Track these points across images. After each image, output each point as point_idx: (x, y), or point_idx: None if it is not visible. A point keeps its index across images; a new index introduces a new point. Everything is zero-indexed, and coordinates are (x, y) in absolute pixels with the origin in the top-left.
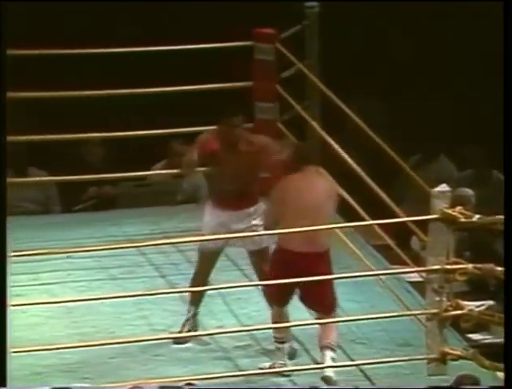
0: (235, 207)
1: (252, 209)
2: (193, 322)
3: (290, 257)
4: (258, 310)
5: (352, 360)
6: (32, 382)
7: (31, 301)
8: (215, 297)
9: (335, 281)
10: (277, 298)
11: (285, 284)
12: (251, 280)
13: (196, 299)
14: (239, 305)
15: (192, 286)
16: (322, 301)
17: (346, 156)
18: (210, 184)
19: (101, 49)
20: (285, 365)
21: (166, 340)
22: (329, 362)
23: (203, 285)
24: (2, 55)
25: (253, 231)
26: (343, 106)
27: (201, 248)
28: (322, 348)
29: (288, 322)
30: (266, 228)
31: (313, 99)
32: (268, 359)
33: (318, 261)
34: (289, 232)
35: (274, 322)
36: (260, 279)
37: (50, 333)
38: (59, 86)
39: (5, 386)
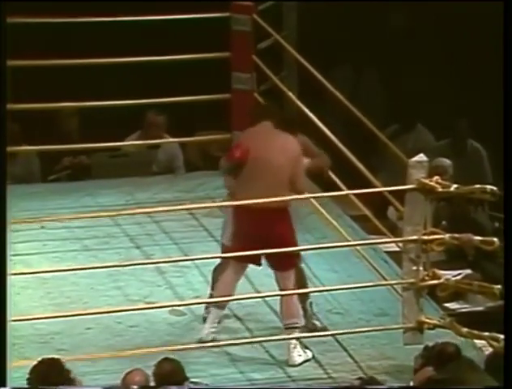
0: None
1: None
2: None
3: (249, 213)
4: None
5: (329, 330)
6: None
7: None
8: (190, 269)
9: (311, 251)
10: (240, 257)
11: (248, 240)
12: None
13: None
14: None
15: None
16: (280, 257)
17: (323, 127)
18: None
19: (86, 18)
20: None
21: (142, 311)
22: (295, 348)
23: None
24: (2, 55)
25: None
26: (320, 77)
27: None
28: (287, 329)
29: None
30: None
31: (289, 70)
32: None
33: (276, 217)
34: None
35: (221, 286)
36: None
37: (25, 303)
38: (34, 54)
39: (5, 386)
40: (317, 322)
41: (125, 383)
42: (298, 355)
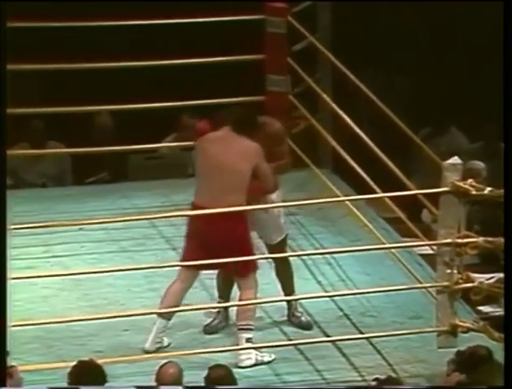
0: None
1: (274, 196)
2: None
3: (202, 214)
4: (268, 283)
5: (362, 333)
6: (43, 356)
7: (42, 273)
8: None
9: (347, 254)
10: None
11: (200, 246)
12: (262, 254)
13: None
14: None
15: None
16: (237, 262)
17: (357, 129)
18: None
19: (118, 22)
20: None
21: (177, 313)
22: (244, 346)
23: (227, 278)
24: (2, 55)
25: (275, 221)
26: (354, 79)
27: None
28: (238, 330)
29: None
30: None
31: (324, 72)
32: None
33: (230, 219)
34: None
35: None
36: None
37: (62, 305)
38: (72, 58)
39: (5, 386)
40: (302, 318)
41: (160, 376)
42: (247, 358)
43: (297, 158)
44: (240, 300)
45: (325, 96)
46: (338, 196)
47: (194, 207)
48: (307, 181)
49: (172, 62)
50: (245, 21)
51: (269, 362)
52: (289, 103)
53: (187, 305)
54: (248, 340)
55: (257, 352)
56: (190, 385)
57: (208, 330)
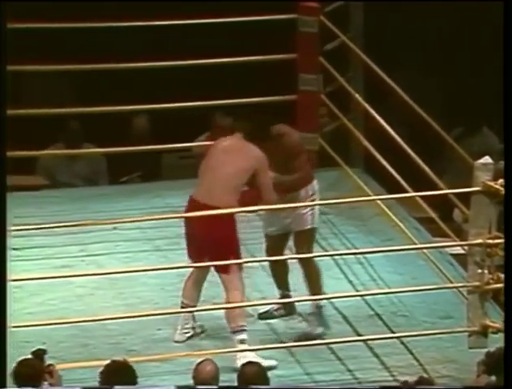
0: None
1: (303, 191)
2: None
3: (196, 207)
4: (301, 282)
5: (394, 332)
6: (78, 354)
7: (78, 273)
8: (255, 269)
9: (377, 254)
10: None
11: (192, 240)
12: (292, 253)
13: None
14: None
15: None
16: (220, 259)
17: (389, 129)
18: None
19: (148, 22)
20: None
21: (210, 312)
22: (240, 347)
23: (276, 270)
24: (2, 55)
25: (303, 215)
26: (386, 79)
27: (264, 231)
28: (232, 333)
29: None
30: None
31: (356, 71)
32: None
33: (216, 217)
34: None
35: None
36: (301, 261)
37: (97, 304)
38: (105, 59)
39: (5, 386)
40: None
41: (197, 374)
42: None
43: (329, 157)
44: (226, 301)
45: (357, 95)
46: (369, 195)
47: (190, 200)
48: (339, 180)
49: (206, 62)
50: (277, 20)
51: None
52: (321, 102)
53: (217, 303)
54: (241, 342)
55: (254, 355)
56: (226, 385)
57: (263, 316)
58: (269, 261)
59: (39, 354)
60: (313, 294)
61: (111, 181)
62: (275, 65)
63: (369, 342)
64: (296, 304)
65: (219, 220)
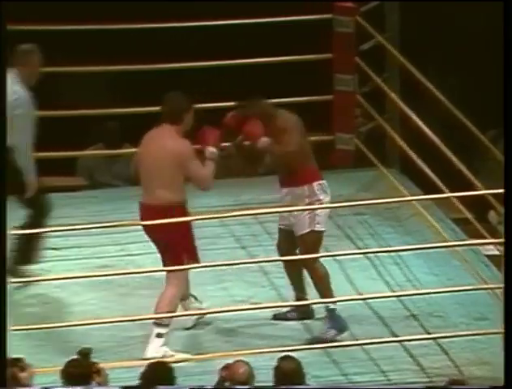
0: (282, 183)
1: (300, 189)
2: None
3: (144, 210)
4: (336, 283)
5: (429, 333)
6: (118, 354)
7: (117, 272)
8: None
9: (412, 254)
10: None
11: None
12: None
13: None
14: None
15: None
16: (164, 255)
17: (425, 129)
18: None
19: (187, 23)
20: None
21: (247, 312)
22: (153, 340)
23: (288, 270)
24: (2, 55)
25: (301, 219)
26: (422, 79)
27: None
28: (153, 324)
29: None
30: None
31: (392, 71)
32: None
33: (158, 215)
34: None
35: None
36: (305, 265)
37: (136, 304)
38: (142, 59)
39: (5, 386)
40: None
41: (231, 374)
42: (153, 350)
43: (365, 158)
44: (162, 294)
45: (393, 95)
46: (405, 196)
47: (139, 205)
48: (374, 180)
49: (242, 62)
50: (313, 20)
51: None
52: (356, 102)
53: (255, 303)
54: (158, 336)
55: (166, 350)
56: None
57: (277, 316)
58: (281, 261)
59: (85, 353)
60: (322, 298)
61: None
62: (311, 65)
63: (405, 343)
64: (315, 307)
65: (162, 218)
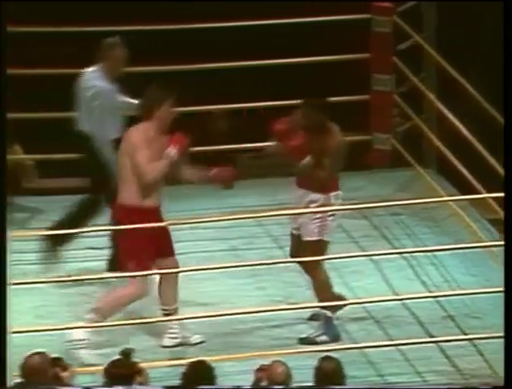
0: (300, 184)
1: (314, 196)
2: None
3: (117, 209)
4: (373, 283)
5: (466, 334)
6: (159, 354)
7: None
8: (329, 270)
9: (449, 254)
10: None
11: None
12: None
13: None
14: (354, 277)
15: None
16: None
17: (462, 129)
18: None
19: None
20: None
21: (284, 312)
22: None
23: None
24: (2, 54)
25: (308, 225)
26: (459, 78)
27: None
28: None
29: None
30: None
31: (429, 71)
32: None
33: (119, 213)
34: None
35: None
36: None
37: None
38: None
39: (5, 386)
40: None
41: (268, 374)
42: (170, 338)
43: (401, 158)
44: (113, 290)
45: (430, 95)
46: (442, 196)
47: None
48: (411, 181)
49: (280, 62)
50: (351, 20)
51: (196, 344)
52: (394, 102)
53: (292, 303)
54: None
55: (184, 335)
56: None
57: (313, 317)
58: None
59: (128, 353)
60: (320, 302)
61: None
62: (349, 65)
63: (441, 344)
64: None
65: (120, 219)
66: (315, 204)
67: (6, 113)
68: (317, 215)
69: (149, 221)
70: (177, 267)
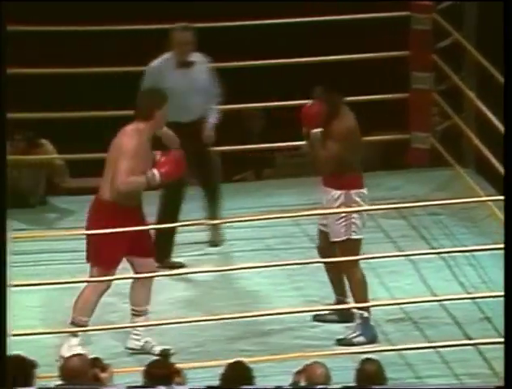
0: (325, 183)
1: (334, 193)
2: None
3: (95, 203)
4: (411, 283)
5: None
6: (195, 354)
7: (191, 271)
8: (366, 270)
9: (487, 255)
10: None
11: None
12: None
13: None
14: (391, 278)
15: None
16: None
17: (502, 128)
18: None
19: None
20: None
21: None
22: (68, 338)
23: (329, 272)
24: (2, 55)
25: (335, 225)
26: (499, 77)
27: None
28: (70, 322)
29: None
30: None
31: (469, 69)
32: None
33: (95, 208)
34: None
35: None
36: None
37: (213, 303)
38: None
39: (5, 386)
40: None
41: (307, 375)
42: (134, 340)
43: (441, 157)
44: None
45: (470, 93)
46: (481, 196)
47: None
48: (450, 180)
49: (320, 59)
50: (390, 18)
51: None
52: (433, 100)
53: (328, 304)
54: (73, 335)
55: (147, 340)
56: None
57: (318, 318)
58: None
59: (166, 354)
60: (357, 303)
61: (224, 180)
62: (388, 62)
63: (479, 346)
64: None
65: (94, 214)
66: (337, 202)
67: (6, 113)
68: (342, 215)
69: (124, 220)
70: (153, 270)
